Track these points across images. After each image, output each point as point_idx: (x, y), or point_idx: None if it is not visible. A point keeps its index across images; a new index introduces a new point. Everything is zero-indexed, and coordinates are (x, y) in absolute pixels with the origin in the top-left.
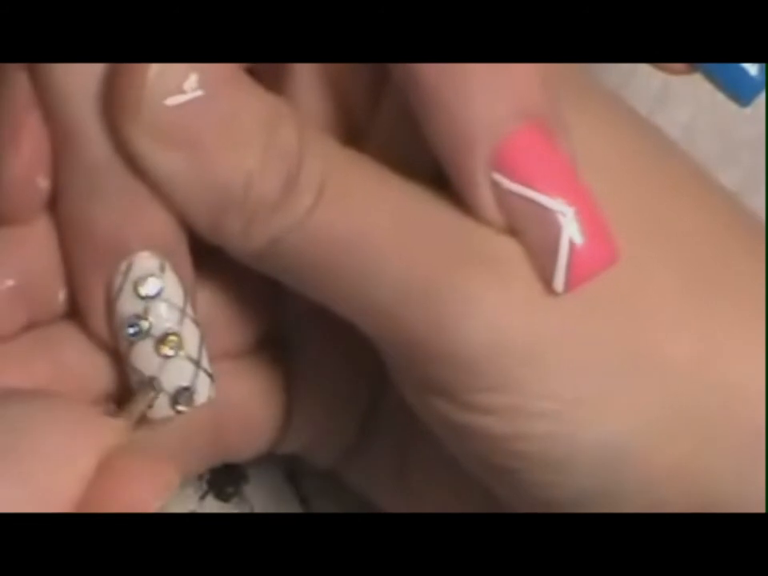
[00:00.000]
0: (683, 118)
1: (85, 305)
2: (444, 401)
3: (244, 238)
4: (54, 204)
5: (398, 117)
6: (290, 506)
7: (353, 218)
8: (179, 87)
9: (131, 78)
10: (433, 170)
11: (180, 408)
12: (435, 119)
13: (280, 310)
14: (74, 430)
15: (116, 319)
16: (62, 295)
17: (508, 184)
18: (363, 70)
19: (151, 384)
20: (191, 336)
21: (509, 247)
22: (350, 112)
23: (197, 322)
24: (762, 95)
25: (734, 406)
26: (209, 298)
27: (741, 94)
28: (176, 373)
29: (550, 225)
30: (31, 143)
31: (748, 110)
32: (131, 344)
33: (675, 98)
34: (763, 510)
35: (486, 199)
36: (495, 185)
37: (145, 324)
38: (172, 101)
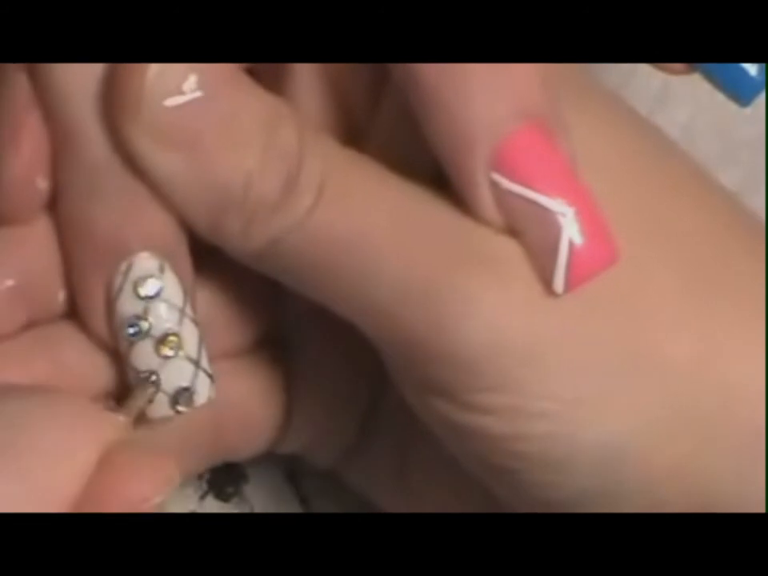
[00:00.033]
0: (683, 118)
1: (85, 305)
2: (444, 401)
3: (244, 238)
4: (54, 204)
5: (398, 117)
6: (290, 506)
7: (352, 218)
8: (178, 88)
9: (130, 78)
10: (433, 170)
11: (180, 408)
12: (435, 119)
13: (280, 310)
14: (73, 425)
15: (116, 319)
16: (61, 295)
17: (508, 184)
18: (363, 70)
19: (149, 380)
20: (191, 336)
21: (508, 247)
22: (350, 112)
23: (196, 322)
24: (762, 95)
25: (733, 406)
26: (208, 297)
27: (741, 93)
28: (176, 373)
29: (549, 225)
30: (31, 143)
31: (748, 110)
32: (131, 344)
33: (675, 97)
34: (763, 510)
35: (485, 199)
36: (495, 185)
37: (144, 324)
38: (171, 102)
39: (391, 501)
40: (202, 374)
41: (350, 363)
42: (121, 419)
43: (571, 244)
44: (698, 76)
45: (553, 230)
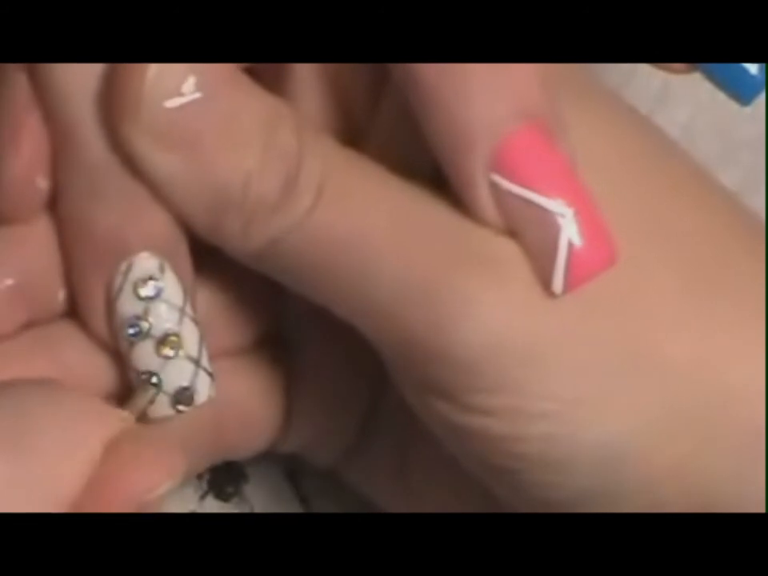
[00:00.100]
0: (683, 118)
1: (85, 305)
2: (443, 402)
3: (243, 238)
4: (54, 204)
5: (397, 117)
6: (290, 506)
7: (352, 219)
8: (178, 89)
9: (130, 79)
10: (432, 171)
11: (180, 408)
12: (435, 119)
13: (280, 310)
14: (79, 417)
15: (116, 320)
16: (61, 295)
17: (507, 185)
18: (363, 70)
19: (151, 380)
20: (191, 335)
21: (508, 248)
22: (350, 112)
23: (196, 321)
24: (763, 95)
25: (733, 406)
26: (208, 297)
27: (741, 93)
28: (176, 373)
29: (548, 226)
30: (31, 143)
31: (748, 110)
32: (131, 344)
33: (675, 97)
34: (763, 510)
35: (484, 200)
36: (494, 185)
37: (145, 325)
38: (171, 103)
39: (391, 501)
40: (202, 373)
41: (350, 363)
42: (125, 412)
43: (570, 245)
44: (698, 76)
45: (552, 231)
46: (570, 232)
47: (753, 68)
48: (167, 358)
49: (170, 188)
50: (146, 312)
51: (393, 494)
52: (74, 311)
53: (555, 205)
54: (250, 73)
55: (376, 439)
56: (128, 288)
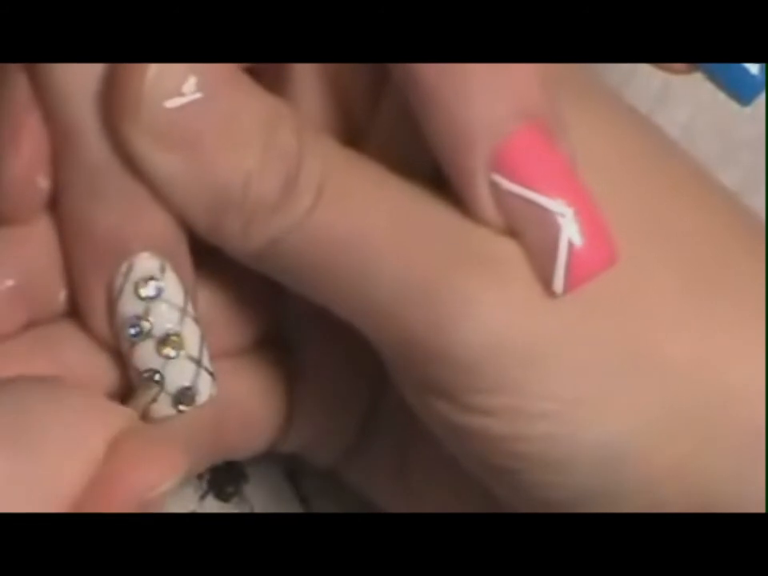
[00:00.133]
0: (683, 118)
1: (85, 305)
2: (444, 402)
3: (243, 238)
4: (55, 204)
5: (398, 117)
6: (290, 506)
7: (352, 219)
8: (178, 89)
9: (130, 79)
10: (432, 171)
11: (182, 407)
12: (435, 119)
13: (280, 310)
14: (82, 414)
15: (117, 320)
16: (62, 295)
17: (507, 185)
18: (363, 70)
19: (153, 380)
20: (192, 335)
21: (508, 248)
22: (350, 112)
23: (197, 321)
24: (763, 95)
25: (733, 406)
26: (209, 297)
27: (741, 93)
28: (178, 373)
29: (549, 226)
30: (31, 143)
31: (748, 110)
32: (132, 345)
33: (675, 97)
34: (763, 510)
35: (485, 200)
36: (494, 185)
37: (146, 325)
38: (171, 103)
39: (391, 501)
40: (203, 373)
41: (350, 363)
42: (128, 409)
43: (570, 245)
44: (698, 76)
45: (552, 231)
46: (570, 232)
47: (753, 68)
48: (168, 357)
49: (170, 188)
50: (147, 312)
51: (393, 494)
52: (74, 311)
53: (555, 204)
54: (250, 73)
55: (376, 439)
56: (129, 288)
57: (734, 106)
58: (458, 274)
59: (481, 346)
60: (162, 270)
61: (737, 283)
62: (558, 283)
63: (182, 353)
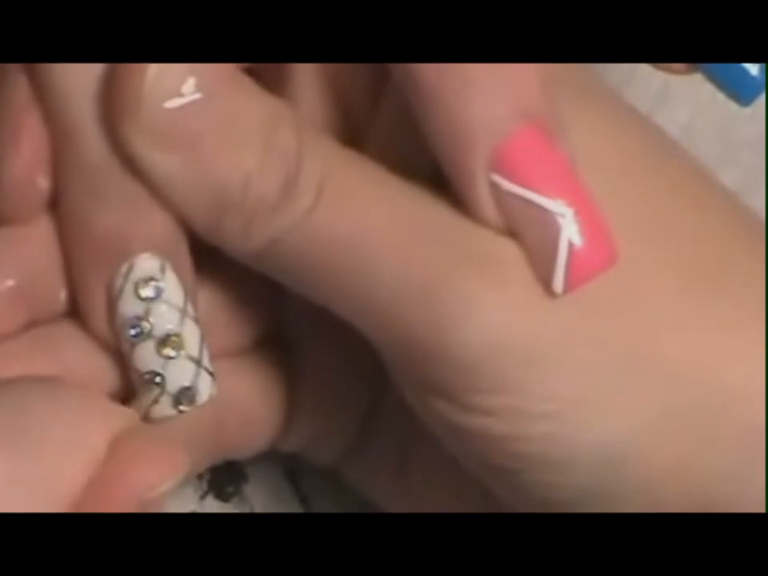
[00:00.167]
0: (683, 118)
1: (86, 306)
2: (444, 402)
3: (243, 238)
4: (55, 204)
5: (397, 117)
6: (290, 506)
7: (352, 219)
8: (177, 89)
9: (129, 78)
10: (432, 171)
11: (182, 408)
12: (435, 119)
13: (280, 310)
14: (85, 412)
15: (117, 320)
16: (62, 295)
17: (507, 185)
18: (363, 70)
19: (154, 381)
20: (192, 335)
21: (508, 248)
22: (350, 112)
23: (197, 321)
24: (763, 95)
25: (733, 406)
26: (209, 297)
27: (741, 93)
28: (178, 373)
29: (549, 226)
30: (31, 143)
31: (748, 110)
32: (133, 345)
33: (675, 97)
34: (763, 510)
35: (484, 200)
36: (494, 185)
37: (146, 325)
38: (170, 103)
39: (391, 501)
40: (203, 373)
41: (350, 363)
42: (129, 410)
43: (570, 245)
44: (698, 76)
45: (552, 231)
46: (570, 232)
47: (753, 69)
48: (168, 358)
49: (169, 188)
50: (147, 312)
51: (393, 494)
52: (75, 311)
53: (555, 205)
54: (250, 73)
55: (376, 439)
56: (129, 289)
57: (733, 106)
58: (458, 274)
59: (481, 346)
60: (162, 270)
61: (737, 283)
62: (558, 283)
63: (182, 353)
